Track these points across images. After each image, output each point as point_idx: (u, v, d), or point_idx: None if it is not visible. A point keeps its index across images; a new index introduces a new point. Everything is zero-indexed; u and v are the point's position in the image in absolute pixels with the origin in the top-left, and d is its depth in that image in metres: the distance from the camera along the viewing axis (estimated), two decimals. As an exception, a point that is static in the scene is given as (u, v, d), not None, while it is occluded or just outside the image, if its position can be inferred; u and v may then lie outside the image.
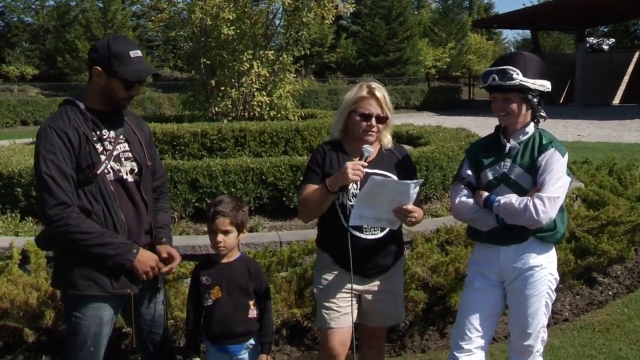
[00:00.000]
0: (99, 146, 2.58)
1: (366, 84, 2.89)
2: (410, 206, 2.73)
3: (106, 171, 2.58)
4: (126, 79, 2.57)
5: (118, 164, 2.64)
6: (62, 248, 2.61)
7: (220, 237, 2.78)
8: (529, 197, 2.70)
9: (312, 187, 2.83)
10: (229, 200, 2.84)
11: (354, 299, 2.92)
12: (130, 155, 2.69)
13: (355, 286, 2.90)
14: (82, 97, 2.65)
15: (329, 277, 2.92)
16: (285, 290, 4.05)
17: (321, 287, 2.94)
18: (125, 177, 2.65)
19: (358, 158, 2.80)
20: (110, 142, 2.62)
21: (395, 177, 2.85)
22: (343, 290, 2.90)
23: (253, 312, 2.86)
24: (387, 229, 2.86)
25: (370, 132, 2.83)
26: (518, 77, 2.70)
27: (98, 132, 2.60)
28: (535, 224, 2.71)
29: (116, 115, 2.69)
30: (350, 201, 2.79)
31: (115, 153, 2.63)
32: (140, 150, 2.73)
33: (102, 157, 2.57)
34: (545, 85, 2.77)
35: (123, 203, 2.63)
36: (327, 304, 2.90)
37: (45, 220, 2.53)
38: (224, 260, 2.86)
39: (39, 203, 2.53)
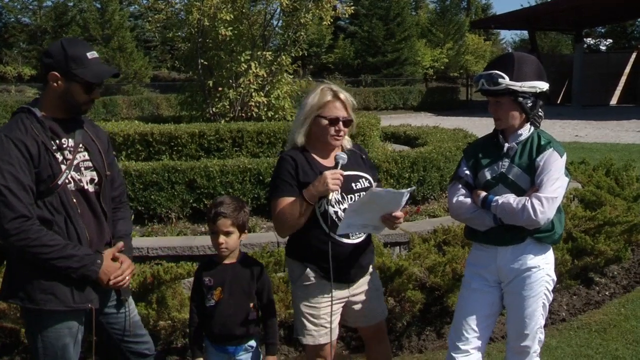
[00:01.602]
0: (58, 155, 2.47)
1: (327, 87, 2.84)
2: (398, 213, 2.74)
3: (67, 181, 2.48)
4: (87, 81, 2.47)
5: (78, 173, 2.53)
6: (18, 258, 2.46)
7: (222, 238, 2.78)
8: (527, 198, 2.69)
9: (287, 200, 2.73)
10: (230, 201, 2.83)
11: (341, 308, 2.93)
12: (90, 164, 2.59)
13: (343, 293, 2.89)
14: (37, 104, 2.53)
15: (318, 293, 2.84)
16: (283, 291, 4.05)
17: (310, 305, 2.86)
18: (86, 187, 2.55)
19: (334, 165, 2.77)
20: (70, 151, 2.52)
21: (368, 176, 2.90)
22: (333, 302, 2.87)
23: (253, 314, 2.86)
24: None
25: (337, 136, 2.79)
26: (504, 81, 2.69)
27: (57, 141, 2.49)
28: (533, 225, 2.71)
29: (75, 122, 2.58)
30: (334, 207, 2.76)
31: (75, 162, 2.52)
32: (99, 160, 2.63)
33: (63, 167, 2.47)
34: (536, 86, 2.74)
35: (84, 214, 2.54)
36: (317, 321, 2.86)
37: (3, 235, 2.37)
38: (227, 261, 2.85)
39: None
